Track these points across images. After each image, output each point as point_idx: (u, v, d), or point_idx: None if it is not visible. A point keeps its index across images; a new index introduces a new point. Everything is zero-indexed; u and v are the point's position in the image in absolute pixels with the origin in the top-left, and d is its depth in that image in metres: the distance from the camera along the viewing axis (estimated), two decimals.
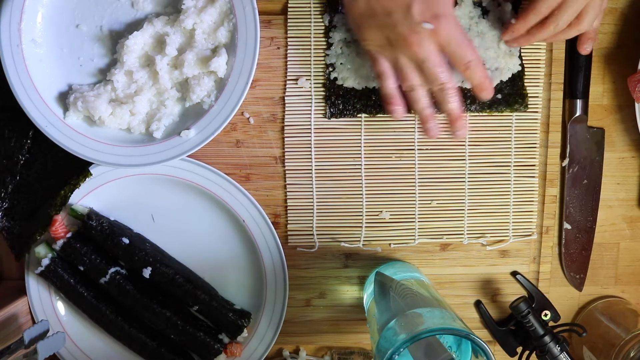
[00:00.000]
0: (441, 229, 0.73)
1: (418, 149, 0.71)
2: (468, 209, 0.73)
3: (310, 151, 0.71)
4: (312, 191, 0.72)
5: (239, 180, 0.70)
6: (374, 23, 0.60)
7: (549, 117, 0.72)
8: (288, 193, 0.72)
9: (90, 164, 0.68)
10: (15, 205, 0.69)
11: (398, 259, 0.74)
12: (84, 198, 0.69)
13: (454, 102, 0.62)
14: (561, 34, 0.63)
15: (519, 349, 0.74)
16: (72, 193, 0.68)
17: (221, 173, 0.68)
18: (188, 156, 0.67)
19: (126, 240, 0.68)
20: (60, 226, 0.68)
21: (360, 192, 0.72)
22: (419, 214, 0.72)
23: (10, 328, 0.68)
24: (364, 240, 0.73)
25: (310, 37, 0.69)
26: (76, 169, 0.68)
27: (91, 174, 0.68)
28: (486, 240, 0.73)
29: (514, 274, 0.74)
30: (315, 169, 0.71)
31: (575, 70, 0.70)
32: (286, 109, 0.70)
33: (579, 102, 0.71)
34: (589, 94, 0.71)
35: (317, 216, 0.72)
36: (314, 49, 0.69)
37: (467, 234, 0.73)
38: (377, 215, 0.72)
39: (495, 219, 0.73)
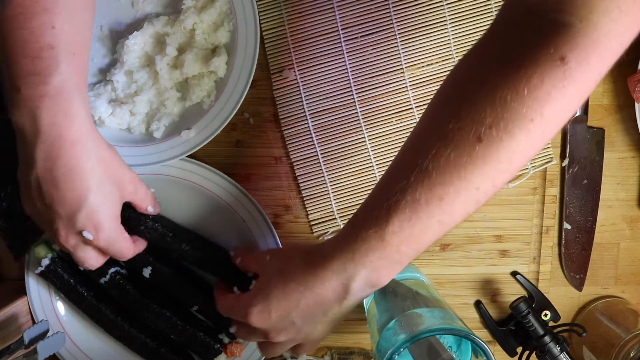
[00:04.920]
0: None
1: (415, 106, 0.71)
2: None
3: (312, 137, 0.71)
4: (323, 176, 0.71)
5: (239, 180, 0.70)
6: (41, 212, 0.57)
7: None
8: (300, 184, 0.71)
9: None
10: (14, 205, 0.69)
11: None
12: None
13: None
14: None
15: (519, 349, 0.74)
16: None
17: (221, 173, 0.68)
18: (188, 156, 0.67)
19: None
20: None
21: (371, 165, 0.72)
22: None
23: (10, 328, 0.68)
24: None
25: (284, 25, 0.69)
26: None
27: None
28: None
29: (514, 274, 0.74)
30: (320, 154, 0.71)
31: None
32: (277, 102, 0.70)
33: None
34: None
35: (334, 199, 0.72)
36: (291, 36, 0.69)
37: None
38: None
39: None
